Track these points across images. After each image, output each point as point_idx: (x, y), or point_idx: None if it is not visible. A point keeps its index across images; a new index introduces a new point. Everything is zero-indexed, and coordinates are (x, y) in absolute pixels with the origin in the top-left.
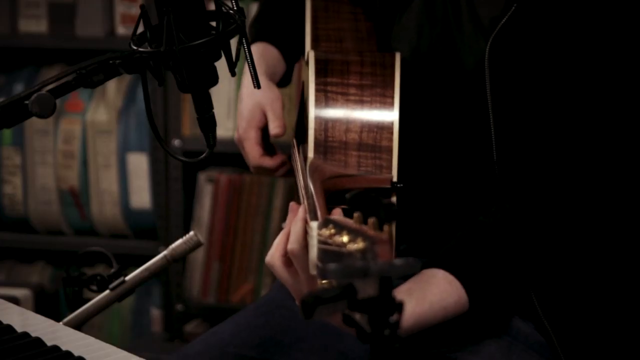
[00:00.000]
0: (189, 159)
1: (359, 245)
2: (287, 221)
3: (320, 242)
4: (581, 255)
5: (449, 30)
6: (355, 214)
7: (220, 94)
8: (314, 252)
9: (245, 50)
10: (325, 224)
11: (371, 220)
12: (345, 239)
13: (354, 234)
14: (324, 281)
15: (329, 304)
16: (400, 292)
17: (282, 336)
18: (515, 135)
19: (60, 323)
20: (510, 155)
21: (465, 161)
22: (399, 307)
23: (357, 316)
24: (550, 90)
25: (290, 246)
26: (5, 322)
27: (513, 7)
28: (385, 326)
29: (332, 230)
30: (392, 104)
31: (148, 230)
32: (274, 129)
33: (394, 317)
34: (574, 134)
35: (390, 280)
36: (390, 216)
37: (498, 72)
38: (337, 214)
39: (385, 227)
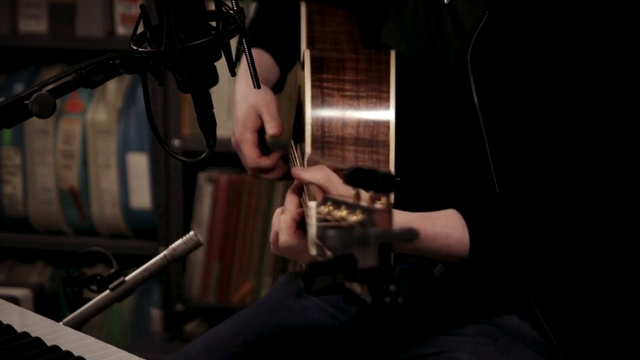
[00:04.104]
0: (189, 159)
1: (357, 216)
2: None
3: (319, 219)
4: (578, 254)
5: (434, 41)
6: (353, 190)
7: (220, 94)
8: (313, 231)
9: (245, 51)
10: (323, 201)
11: (369, 194)
12: (344, 213)
13: (352, 207)
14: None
15: (329, 274)
16: (408, 213)
17: (282, 336)
18: (505, 132)
19: (60, 323)
20: (502, 150)
21: (460, 155)
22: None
23: (357, 288)
24: (531, 87)
25: (281, 241)
26: (5, 322)
27: (486, 15)
28: (386, 294)
29: (331, 207)
30: (388, 99)
31: (148, 230)
32: (270, 129)
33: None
34: (557, 123)
35: (389, 248)
36: (388, 186)
37: (481, 76)
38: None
39: (383, 198)
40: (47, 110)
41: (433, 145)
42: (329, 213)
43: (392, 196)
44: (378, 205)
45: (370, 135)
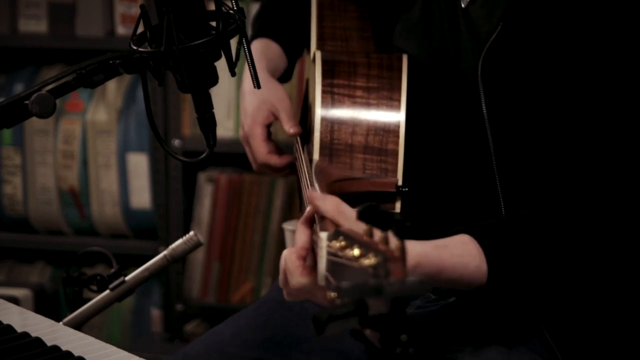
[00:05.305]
0: (189, 159)
1: (370, 260)
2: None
3: (330, 253)
4: (592, 274)
5: (446, 44)
6: (365, 227)
7: (220, 94)
8: (323, 263)
9: (245, 50)
10: (335, 235)
11: (382, 234)
12: (356, 252)
13: (365, 248)
14: (333, 294)
15: (341, 320)
16: (425, 243)
17: (282, 336)
18: (512, 144)
19: (60, 323)
20: (508, 161)
21: (467, 167)
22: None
23: (368, 332)
24: (541, 100)
25: (293, 283)
26: (5, 322)
27: (500, 25)
28: (397, 344)
29: (343, 243)
30: (398, 107)
31: (148, 230)
32: (290, 128)
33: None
34: (567, 139)
35: (403, 300)
36: (403, 233)
37: (491, 86)
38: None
39: (397, 243)
40: (47, 110)
41: (440, 154)
42: (340, 249)
43: (405, 241)
44: (392, 245)
45: (380, 143)
